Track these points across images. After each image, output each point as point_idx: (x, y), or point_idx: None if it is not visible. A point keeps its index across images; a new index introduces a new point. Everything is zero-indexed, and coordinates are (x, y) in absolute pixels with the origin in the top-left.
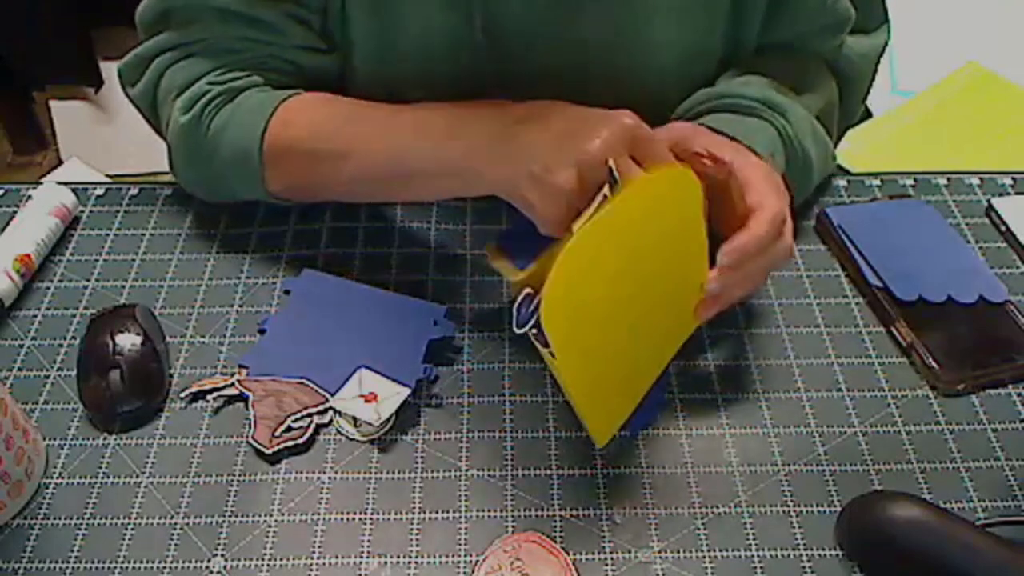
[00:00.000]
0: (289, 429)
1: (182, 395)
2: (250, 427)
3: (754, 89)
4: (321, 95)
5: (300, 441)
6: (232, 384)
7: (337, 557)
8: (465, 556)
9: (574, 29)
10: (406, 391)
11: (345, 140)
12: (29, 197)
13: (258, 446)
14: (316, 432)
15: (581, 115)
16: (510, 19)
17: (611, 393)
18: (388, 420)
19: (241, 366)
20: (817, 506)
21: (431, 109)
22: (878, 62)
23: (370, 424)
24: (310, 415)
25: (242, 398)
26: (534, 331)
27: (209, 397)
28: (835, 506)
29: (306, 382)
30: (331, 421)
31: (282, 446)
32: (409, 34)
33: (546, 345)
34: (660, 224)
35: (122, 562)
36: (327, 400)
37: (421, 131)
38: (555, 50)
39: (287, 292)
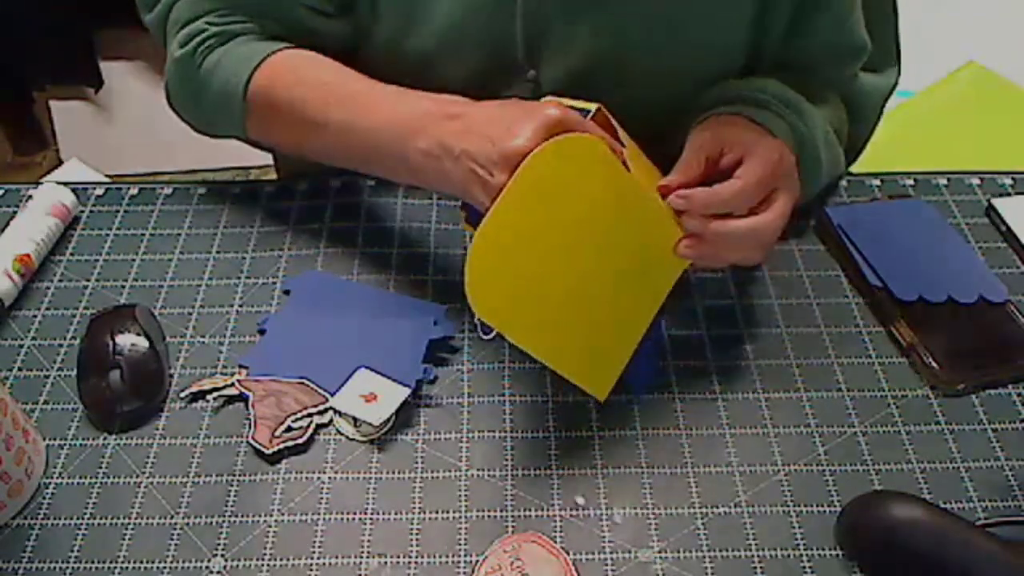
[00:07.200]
0: (289, 429)
1: (182, 395)
2: (250, 427)
3: (772, 88)
4: (307, 55)
5: (300, 441)
6: (232, 384)
7: (337, 557)
8: (465, 556)
9: (614, 10)
10: (406, 391)
11: (321, 111)
12: (29, 197)
13: (258, 446)
14: (316, 432)
15: (504, 112)
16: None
17: (594, 350)
18: (388, 420)
19: (241, 366)
20: (817, 506)
21: (401, 98)
22: (885, 102)
23: (370, 424)
24: (310, 415)
25: (242, 398)
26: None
27: (209, 397)
28: (835, 506)
29: (306, 382)
30: (331, 421)
31: (282, 446)
32: (440, 8)
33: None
34: (582, 190)
35: (122, 562)
36: (327, 400)
37: (389, 122)
38: (592, 29)
39: (287, 292)
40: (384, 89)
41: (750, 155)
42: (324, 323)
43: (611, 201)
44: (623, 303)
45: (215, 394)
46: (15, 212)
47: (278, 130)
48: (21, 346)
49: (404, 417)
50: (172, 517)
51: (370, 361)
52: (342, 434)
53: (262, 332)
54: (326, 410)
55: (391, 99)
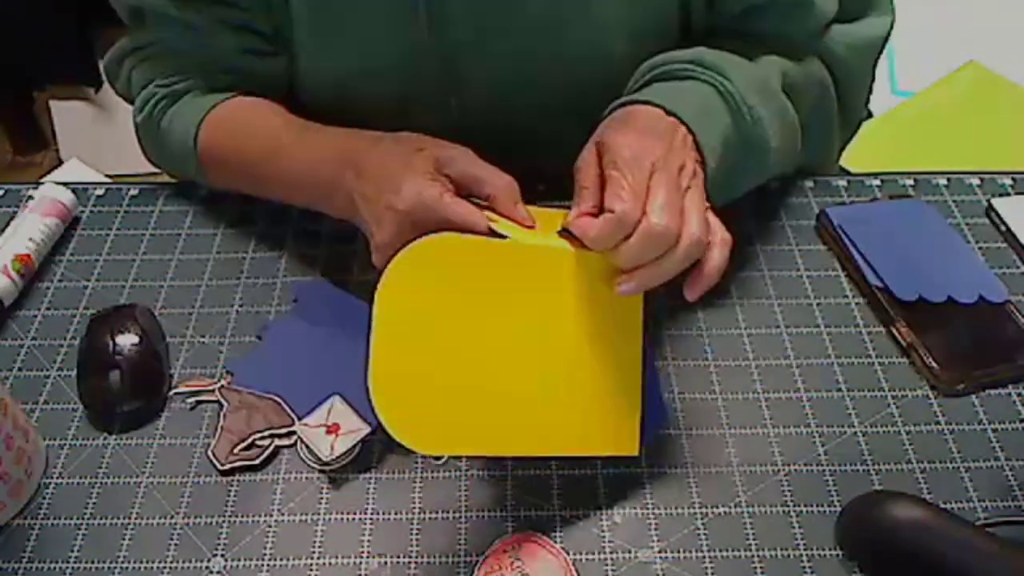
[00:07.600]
0: (252, 447)
1: (171, 394)
2: (215, 435)
3: (689, 52)
4: (244, 105)
5: (255, 462)
6: (213, 390)
7: (337, 557)
8: (465, 556)
9: (521, 9)
10: (366, 429)
11: (255, 163)
12: (29, 197)
13: (214, 461)
14: (275, 454)
15: (386, 167)
16: (456, 4)
17: (595, 416)
18: (345, 454)
19: (228, 372)
20: (817, 506)
21: (316, 145)
22: (878, 52)
23: (319, 458)
24: (273, 436)
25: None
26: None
27: (190, 400)
28: (835, 506)
29: (280, 401)
30: (295, 444)
31: (238, 464)
32: (350, 30)
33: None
34: (470, 283)
35: (122, 562)
36: (293, 423)
37: (312, 173)
38: (502, 33)
39: (295, 300)
40: (304, 135)
41: (608, 172)
42: (319, 341)
43: (516, 278)
44: (599, 359)
45: (194, 399)
46: (15, 212)
47: (230, 180)
48: (21, 346)
49: (362, 454)
50: (172, 517)
51: (350, 388)
52: (301, 459)
53: (260, 338)
54: (290, 433)
55: (308, 148)
